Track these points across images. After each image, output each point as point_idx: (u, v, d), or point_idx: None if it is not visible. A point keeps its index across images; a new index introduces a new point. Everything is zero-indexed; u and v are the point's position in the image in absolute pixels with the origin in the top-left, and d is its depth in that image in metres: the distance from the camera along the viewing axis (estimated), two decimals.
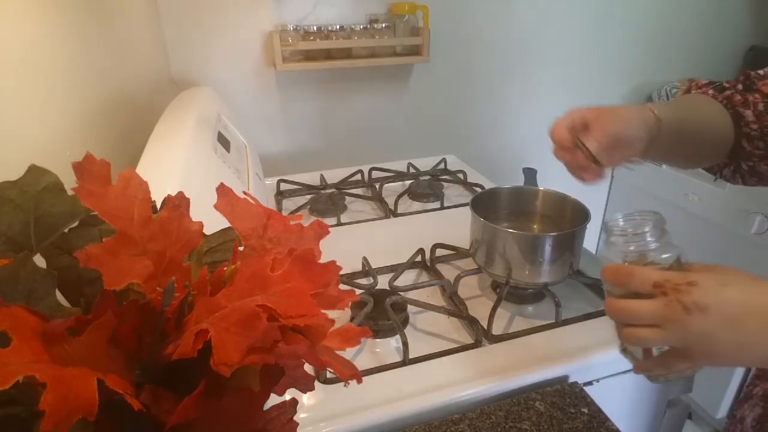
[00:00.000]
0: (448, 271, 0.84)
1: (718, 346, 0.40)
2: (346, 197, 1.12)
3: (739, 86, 0.62)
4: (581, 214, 0.74)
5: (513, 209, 0.83)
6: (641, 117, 0.57)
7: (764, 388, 0.56)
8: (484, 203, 0.78)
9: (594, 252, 0.94)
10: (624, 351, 0.48)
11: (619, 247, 0.47)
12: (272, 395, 0.27)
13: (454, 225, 0.95)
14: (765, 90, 0.60)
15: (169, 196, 0.30)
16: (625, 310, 0.43)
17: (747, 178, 0.64)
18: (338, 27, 1.28)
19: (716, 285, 0.41)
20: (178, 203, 0.30)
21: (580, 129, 0.56)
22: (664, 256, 0.46)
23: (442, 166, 1.30)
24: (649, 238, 0.47)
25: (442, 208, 1.09)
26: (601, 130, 0.55)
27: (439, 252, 0.87)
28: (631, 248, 0.47)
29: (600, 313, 0.73)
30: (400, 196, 1.10)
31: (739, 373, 1.35)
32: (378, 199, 1.11)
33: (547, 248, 0.70)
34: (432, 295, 0.79)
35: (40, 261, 0.29)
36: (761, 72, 0.62)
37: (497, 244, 0.73)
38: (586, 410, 0.57)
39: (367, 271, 0.83)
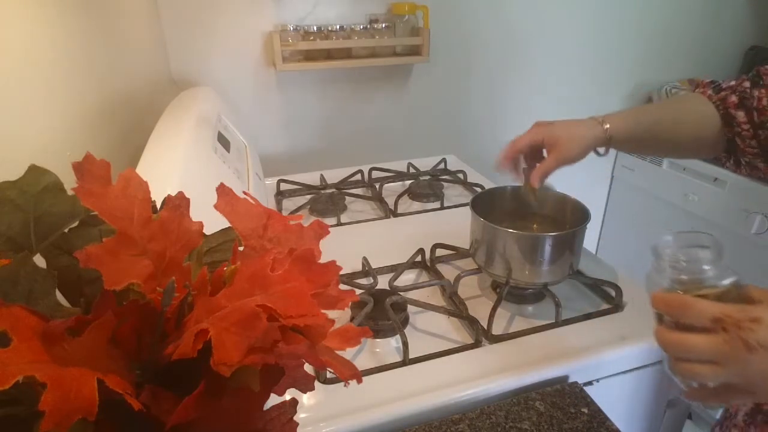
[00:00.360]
0: (448, 271, 0.84)
1: None
2: (346, 197, 1.12)
3: (746, 83, 0.66)
4: (581, 214, 0.74)
5: (513, 209, 0.83)
6: (593, 137, 0.69)
7: None
8: (484, 203, 0.78)
9: (594, 252, 0.94)
10: (673, 372, 0.45)
11: (668, 274, 0.44)
12: (272, 395, 0.27)
13: (454, 225, 0.95)
14: None
15: (169, 196, 0.30)
16: (682, 344, 0.41)
17: (748, 171, 0.69)
18: (338, 27, 1.28)
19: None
20: (178, 203, 0.30)
21: (536, 151, 0.71)
22: (721, 282, 0.42)
23: (442, 166, 1.30)
24: (705, 267, 0.43)
25: (442, 208, 1.09)
26: (554, 159, 0.69)
27: (439, 252, 0.87)
28: (684, 277, 0.43)
29: (600, 313, 0.73)
30: (400, 196, 1.10)
31: None
32: (378, 199, 1.11)
33: (547, 248, 0.70)
34: (432, 295, 0.79)
35: (40, 261, 0.29)
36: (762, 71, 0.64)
37: (497, 244, 0.73)
38: (586, 410, 0.57)
39: (367, 271, 0.83)
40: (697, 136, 0.69)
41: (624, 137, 0.70)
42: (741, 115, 0.65)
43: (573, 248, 0.73)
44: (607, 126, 0.69)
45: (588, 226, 0.72)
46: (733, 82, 0.67)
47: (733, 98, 0.65)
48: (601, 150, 0.72)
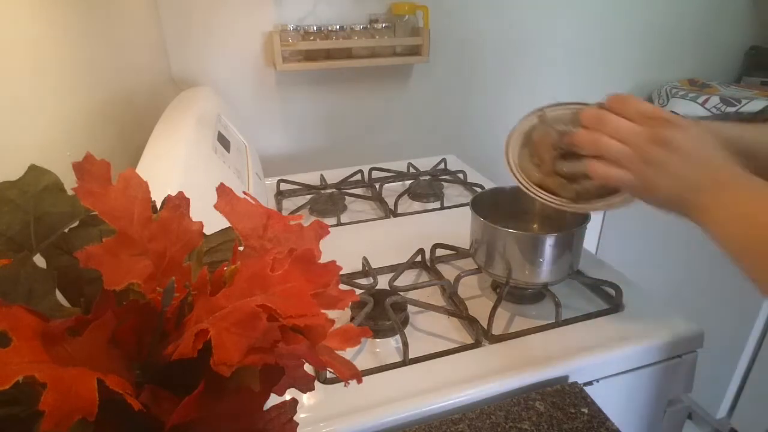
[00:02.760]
0: (448, 271, 0.84)
1: (665, 178, 0.46)
2: (346, 197, 1.12)
3: None
4: (581, 215, 0.74)
5: (513, 209, 0.83)
6: None
7: None
8: (484, 203, 0.78)
9: (594, 252, 0.94)
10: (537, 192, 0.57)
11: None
12: (272, 395, 0.27)
13: (454, 225, 0.95)
14: None
15: (169, 196, 0.30)
16: (606, 120, 0.49)
17: None
18: (338, 27, 1.28)
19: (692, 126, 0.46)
20: (178, 203, 0.30)
21: None
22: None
23: (442, 166, 1.30)
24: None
25: (442, 208, 1.09)
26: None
27: (439, 252, 0.87)
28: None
29: (600, 313, 0.73)
30: (400, 196, 1.10)
31: (738, 373, 1.35)
32: (378, 199, 1.11)
33: (547, 248, 0.70)
34: (432, 295, 0.79)
35: (40, 261, 0.29)
36: None
37: (497, 244, 0.73)
38: (586, 410, 0.57)
39: (367, 271, 0.83)
40: None
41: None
42: None
43: (573, 248, 0.73)
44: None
45: (588, 226, 0.72)
46: None
47: None
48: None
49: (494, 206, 0.81)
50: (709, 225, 0.46)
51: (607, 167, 0.49)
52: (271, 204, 1.11)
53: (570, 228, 0.73)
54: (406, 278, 0.83)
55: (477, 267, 0.78)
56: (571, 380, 0.63)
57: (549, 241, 0.70)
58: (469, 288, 0.80)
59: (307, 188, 1.18)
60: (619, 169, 0.48)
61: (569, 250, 0.72)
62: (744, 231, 0.44)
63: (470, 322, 0.69)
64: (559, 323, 0.71)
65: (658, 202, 0.49)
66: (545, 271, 0.71)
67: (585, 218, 0.73)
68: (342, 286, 0.29)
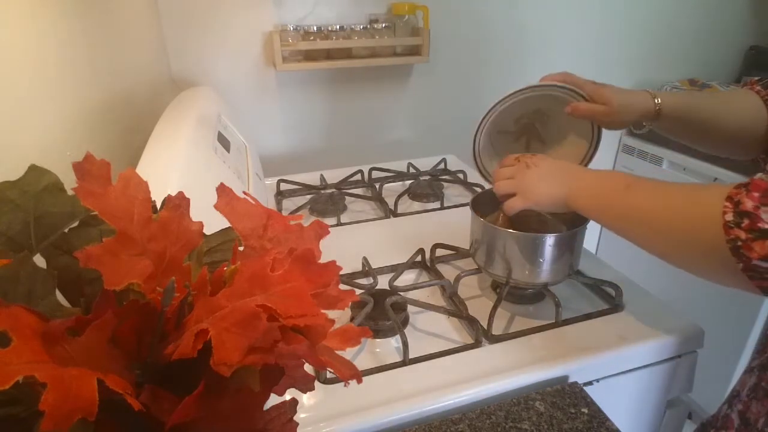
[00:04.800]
0: (448, 271, 0.84)
1: (537, 188, 0.68)
2: (346, 197, 1.12)
3: None
4: (581, 215, 0.74)
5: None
6: (644, 109, 0.71)
7: (761, 360, 0.59)
8: (484, 203, 0.78)
9: (594, 252, 0.94)
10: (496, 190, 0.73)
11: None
12: (272, 395, 0.27)
13: (454, 225, 0.95)
14: None
15: (169, 196, 0.30)
16: (500, 171, 0.73)
17: None
18: (338, 27, 1.28)
19: (545, 158, 0.71)
20: (178, 203, 0.30)
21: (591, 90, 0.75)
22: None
23: (442, 166, 1.30)
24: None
25: (442, 208, 1.09)
26: (604, 115, 0.72)
27: (439, 252, 0.87)
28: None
29: (600, 313, 0.73)
30: (400, 196, 1.10)
31: (738, 373, 1.35)
32: (378, 199, 1.11)
33: (547, 248, 0.70)
34: (432, 295, 0.79)
35: (40, 261, 0.29)
36: None
37: (497, 244, 0.73)
38: (586, 410, 0.57)
39: (367, 271, 0.83)
40: (742, 127, 0.69)
41: (673, 115, 0.71)
42: None
43: (573, 248, 0.73)
44: (659, 101, 0.70)
45: (588, 226, 0.72)
46: None
47: None
48: (645, 123, 0.74)
49: (494, 206, 0.81)
50: (580, 209, 0.65)
51: (503, 183, 0.72)
52: (271, 204, 1.11)
53: (570, 228, 0.73)
54: (406, 278, 0.83)
55: (477, 267, 0.78)
56: (571, 380, 0.63)
57: (549, 241, 0.70)
58: (469, 288, 0.80)
59: (307, 188, 1.17)
60: (510, 181, 0.71)
61: (569, 250, 0.72)
62: (597, 203, 0.63)
63: (470, 322, 0.69)
64: (559, 323, 0.71)
65: (546, 202, 0.68)
66: (545, 271, 0.71)
67: (585, 218, 0.73)
68: (342, 286, 0.29)
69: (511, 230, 0.71)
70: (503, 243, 0.72)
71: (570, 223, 0.77)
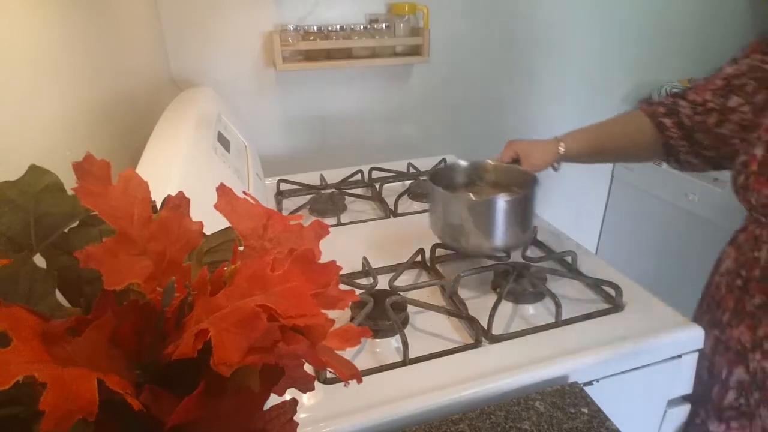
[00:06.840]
0: (448, 271, 0.84)
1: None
2: (346, 197, 1.12)
3: (671, 97, 0.84)
4: (531, 180, 0.82)
5: (470, 182, 0.91)
6: (552, 154, 0.88)
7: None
8: (444, 176, 0.86)
9: (594, 252, 0.94)
10: None
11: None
12: (272, 395, 0.27)
13: None
14: (690, 98, 0.81)
15: (169, 196, 0.30)
16: None
17: (685, 167, 0.86)
18: (338, 27, 1.28)
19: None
20: (178, 203, 0.30)
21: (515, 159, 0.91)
22: None
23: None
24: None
25: None
26: (529, 165, 0.88)
27: (439, 252, 0.87)
28: None
29: (600, 313, 0.73)
30: (400, 196, 1.10)
31: None
32: (378, 199, 1.11)
33: (499, 212, 0.74)
34: (432, 295, 0.79)
35: (40, 261, 0.29)
36: (692, 86, 0.83)
37: (452, 211, 0.78)
38: (586, 410, 0.57)
39: (367, 271, 0.83)
40: (636, 143, 0.88)
41: (575, 155, 0.89)
42: (668, 122, 0.82)
43: (525, 212, 0.77)
44: (562, 148, 0.88)
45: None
46: (663, 99, 0.86)
47: (661, 109, 0.83)
48: (557, 165, 0.90)
49: (453, 180, 0.89)
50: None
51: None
52: (271, 204, 1.11)
53: (521, 191, 0.79)
54: (406, 278, 0.83)
55: (440, 240, 0.83)
56: (571, 380, 0.63)
57: (500, 205, 0.72)
58: (469, 288, 0.80)
59: (307, 188, 1.17)
60: None
61: (522, 213, 0.76)
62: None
63: (470, 322, 0.69)
64: (559, 323, 0.71)
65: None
66: (500, 236, 0.76)
67: (534, 181, 0.79)
68: (342, 286, 0.29)
69: (464, 195, 0.75)
70: (458, 211, 0.77)
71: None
